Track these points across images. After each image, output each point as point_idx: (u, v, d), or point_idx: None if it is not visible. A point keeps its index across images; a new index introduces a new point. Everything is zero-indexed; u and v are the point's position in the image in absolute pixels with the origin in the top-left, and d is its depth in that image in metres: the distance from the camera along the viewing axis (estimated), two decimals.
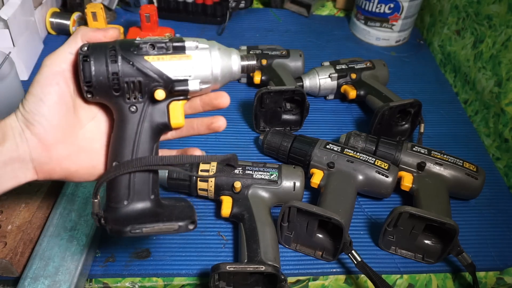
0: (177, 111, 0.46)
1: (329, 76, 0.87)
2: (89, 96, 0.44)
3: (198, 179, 0.66)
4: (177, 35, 1.03)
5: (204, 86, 0.46)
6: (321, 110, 0.88)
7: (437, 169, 0.70)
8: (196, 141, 0.79)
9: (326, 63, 0.90)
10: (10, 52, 0.75)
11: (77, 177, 0.46)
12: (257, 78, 0.87)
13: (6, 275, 0.57)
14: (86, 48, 0.43)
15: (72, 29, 0.96)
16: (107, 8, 1.03)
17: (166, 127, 0.46)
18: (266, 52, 0.90)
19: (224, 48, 0.47)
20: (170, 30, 0.99)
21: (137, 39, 0.45)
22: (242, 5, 1.08)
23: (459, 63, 0.96)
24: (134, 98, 0.44)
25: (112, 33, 0.46)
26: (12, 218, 0.58)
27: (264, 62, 0.88)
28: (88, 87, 0.43)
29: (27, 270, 0.55)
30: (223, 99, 0.48)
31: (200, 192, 0.67)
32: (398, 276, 0.64)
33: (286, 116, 0.81)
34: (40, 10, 0.94)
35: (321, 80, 0.87)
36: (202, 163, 0.67)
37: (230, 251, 0.64)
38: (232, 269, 0.54)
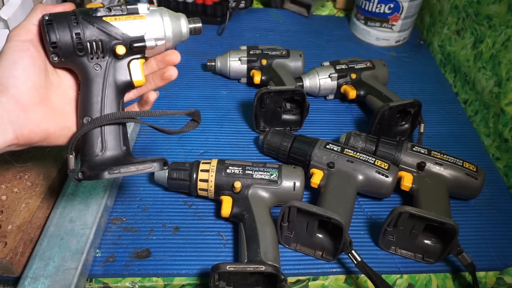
0: (137, 69, 0.50)
1: (329, 76, 0.87)
2: (55, 59, 0.47)
3: (199, 179, 0.66)
4: None
5: (159, 43, 0.50)
6: (321, 110, 0.88)
7: (437, 169, 0.70)
8: (196, 140, 0.79)
9: (326, 63, 0.90)
10: None
11: (54, 139, 0.48)
12: (257, 78, 0.87)
13: (6, 275, 0.57)
14: (47, 16, 0.46)
15: None
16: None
17: (130, 85, 0.50)
18: (266, 52, 0.90)
19: (173, 12, 0.52)
20: None
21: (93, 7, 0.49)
22: (242, 5, 1.08)
23: (459, 63, 0.96)
24: (97, 58, 0.48)
25: (69, 6, 0.49)
26: (12, 218, 0.58)
27: (264, 62, 0.88)
28: (54, 48, 0.47)
29: (27, 270, 0.55)
30: (174, 56, 0.52)
31: (200, 192, 0.67)
32: (398, 276, 0.64)
33: (286, 116, 0.81)
34: None
35: (321, 80, 0.87)
36: (202, 163, 0.67)
37: (230, 251, 0.64)
38: (232, 269, 0.54)
